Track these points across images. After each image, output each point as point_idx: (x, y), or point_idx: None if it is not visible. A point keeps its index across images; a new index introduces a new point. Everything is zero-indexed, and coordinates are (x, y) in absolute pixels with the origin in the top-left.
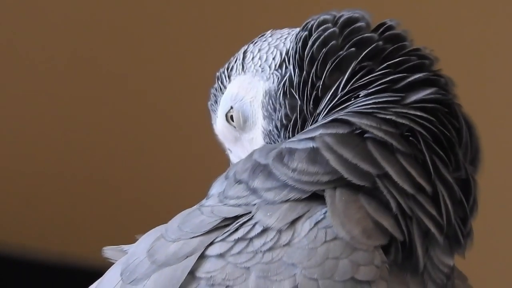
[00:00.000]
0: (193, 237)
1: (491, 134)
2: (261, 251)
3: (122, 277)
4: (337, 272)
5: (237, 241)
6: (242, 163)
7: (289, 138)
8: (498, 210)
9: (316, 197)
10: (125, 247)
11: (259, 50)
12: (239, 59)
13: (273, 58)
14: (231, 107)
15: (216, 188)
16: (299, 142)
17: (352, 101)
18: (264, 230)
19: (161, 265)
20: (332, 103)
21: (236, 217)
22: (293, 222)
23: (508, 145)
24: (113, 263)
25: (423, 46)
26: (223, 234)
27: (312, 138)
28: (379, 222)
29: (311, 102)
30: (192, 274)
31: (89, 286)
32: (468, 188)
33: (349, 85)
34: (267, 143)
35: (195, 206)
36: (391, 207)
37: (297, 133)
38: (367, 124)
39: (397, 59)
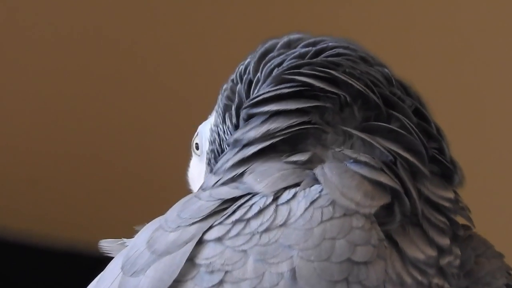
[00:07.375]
0: (191, 224)
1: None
2: (258, 231)
3: (123, 270)
4: (333, 253)
5: (235, 223)
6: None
7: (234, 122)
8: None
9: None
10: (123, 240)
11: None
12: None
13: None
14: (197, 133)
15: (208, 178)
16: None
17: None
18: (261, 211)
19: (161, 254)
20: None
21: (235, 199)
22: (289, 201)
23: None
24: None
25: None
26: (222, 217)
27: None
28: (377, 181)
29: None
30: (191, 261)
31: (92, 271)
32: (422, 115)
33: (262, 66)
34: (212, 141)
35: (192, 193)
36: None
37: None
38: (310, 61)
39: (308, 41)
